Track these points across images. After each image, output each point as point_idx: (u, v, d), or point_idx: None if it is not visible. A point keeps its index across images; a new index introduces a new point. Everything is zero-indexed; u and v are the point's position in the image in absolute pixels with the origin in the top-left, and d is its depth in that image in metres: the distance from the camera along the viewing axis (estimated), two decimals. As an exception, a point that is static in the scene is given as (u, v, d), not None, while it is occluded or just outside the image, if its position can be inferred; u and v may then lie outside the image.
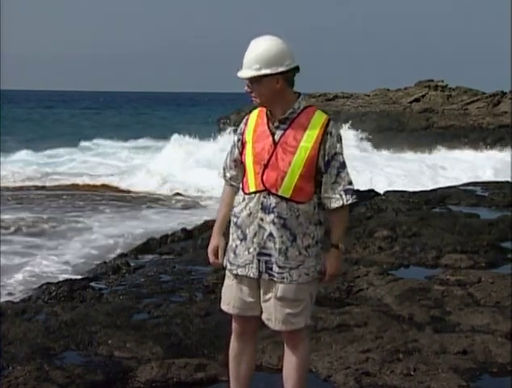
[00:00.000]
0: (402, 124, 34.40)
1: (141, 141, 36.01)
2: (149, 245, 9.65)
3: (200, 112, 69.17)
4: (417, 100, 37.28)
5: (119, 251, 10.02)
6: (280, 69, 3.31)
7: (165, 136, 30.56)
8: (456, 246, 8.37)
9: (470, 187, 14.65)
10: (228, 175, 3.58)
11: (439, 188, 14.43)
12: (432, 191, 13.84)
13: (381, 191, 13.43)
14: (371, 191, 13.55)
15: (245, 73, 3.35)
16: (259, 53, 3.31)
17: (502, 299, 6.19)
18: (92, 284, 7.20)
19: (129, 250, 9.67)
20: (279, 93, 3.34)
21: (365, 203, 11.92)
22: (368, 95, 39.05)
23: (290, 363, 3.55)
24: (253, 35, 3.42)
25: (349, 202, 3.40)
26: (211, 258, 3.58)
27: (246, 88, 3.38)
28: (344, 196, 3.38)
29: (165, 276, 7.46)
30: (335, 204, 3.39)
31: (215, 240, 3.58)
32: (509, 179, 15.94)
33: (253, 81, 3.34)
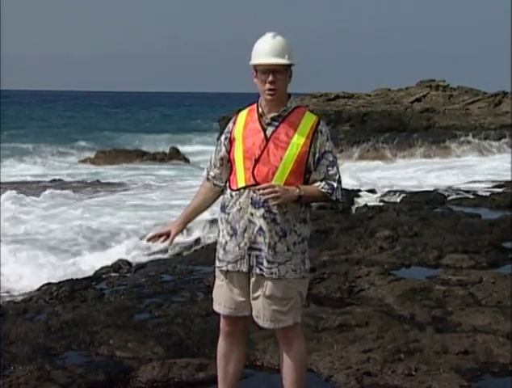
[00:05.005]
0: (403, 123, 34.35)
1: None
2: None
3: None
4: (418, 100, 37.19)
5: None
6: (294, 63, 3.39)
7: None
8: (457, 246, 8.36)
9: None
10: (211, 173, 3.58)
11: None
12: (433, 191, 13.85)
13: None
14: (374, 190, 13.56)
15: (280, 60, 3.33)
16: (285, 44, 3.36)
17: (504, 299, 6.18)
18: (93, 284, 7.21)
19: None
20: (286, 88, 3.40)
21: (366, 203, 11.93)
22: (369, 95, 38.94)
23: (286, 361, 3.55)
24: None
25: (339, 199, 3.42)
26: (152, 234, 3.61)
27: (271, 78, 3.33)
28: (334, 192, 3.38)
29: (166, 275, 7.46)
30: (323, 190, 3.37)
31: (172, 226, 3.56)
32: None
33: (280, 71, 3.34)
